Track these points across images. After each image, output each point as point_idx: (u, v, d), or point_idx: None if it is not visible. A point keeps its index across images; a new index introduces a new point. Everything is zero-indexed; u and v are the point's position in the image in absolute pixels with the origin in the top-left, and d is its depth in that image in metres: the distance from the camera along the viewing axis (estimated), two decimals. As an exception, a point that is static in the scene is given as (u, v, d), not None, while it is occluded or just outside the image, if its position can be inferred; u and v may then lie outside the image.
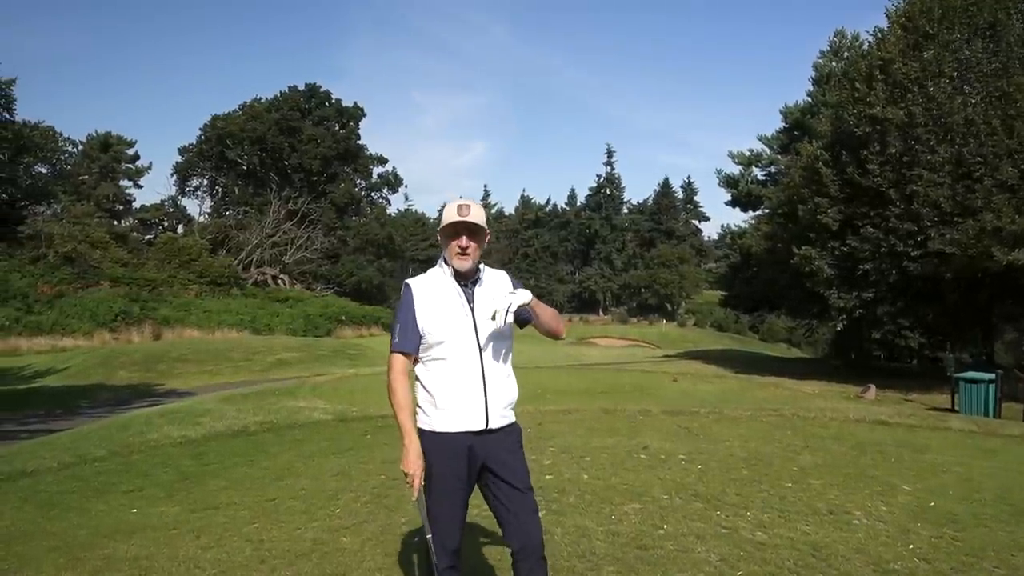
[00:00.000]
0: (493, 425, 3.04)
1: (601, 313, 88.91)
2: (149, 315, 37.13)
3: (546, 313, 3.12)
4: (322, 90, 63.79)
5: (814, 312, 27.60)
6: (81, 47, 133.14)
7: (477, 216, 3.03)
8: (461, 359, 3.00)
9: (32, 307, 34.61)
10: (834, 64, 33.34)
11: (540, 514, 5.46)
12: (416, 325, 3.01)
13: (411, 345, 3.02)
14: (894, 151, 20.36)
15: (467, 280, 3.08)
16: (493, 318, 2.90)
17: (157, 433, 8.44)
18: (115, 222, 58.07)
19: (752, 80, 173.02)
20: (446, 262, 3.10)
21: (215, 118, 61.80)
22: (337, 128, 64.24)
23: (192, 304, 41.50)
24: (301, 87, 63.36)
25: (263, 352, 27.14)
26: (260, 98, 62.78)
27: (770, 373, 23.39)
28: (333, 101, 64.22)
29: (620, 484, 6.05)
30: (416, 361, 3.06)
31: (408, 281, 3.14)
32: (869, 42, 24.21)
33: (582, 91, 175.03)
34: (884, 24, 23.11)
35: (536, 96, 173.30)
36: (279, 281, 53.86)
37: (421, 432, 3.06)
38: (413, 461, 2.90)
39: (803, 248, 22.54)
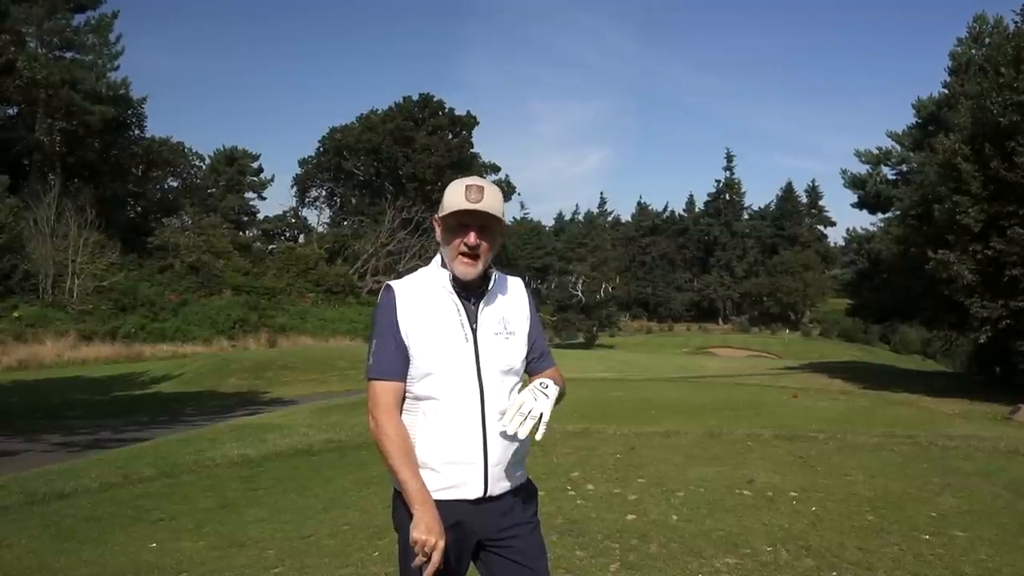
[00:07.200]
0: (495, 491, 2.19)
1: (721, 322, 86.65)
2: (266, 323, 38.28)
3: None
4: (435, 99, 64.37)
5: (951, 322, 25.32)
6: (209, 65, 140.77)
7: (492, 203, 2.16)
8: (454, 399, 2.16)
9: (158, 315, 36.20)
10: (974, 52, 30.66)
11: (612, 568, 4.63)
12: (402, 343, 2.18)
13: (397, 369, 2.18)
14: (1047, 142, 18.31)
15: (471, 292, 2.23)
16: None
17: (217, 451, 8.02)
18: (240, 233, 60.29)
19: (879, 75, 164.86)
20: (443, 263, 2.27)
21: (333, 130, 63.49)
22: (450, 137, 64.65)
23: (308, 312, 42.60)
24: (415, 97, 64.14)
25: (370, 360, 27.15)
26: (376, 110, 64.05)
27: (904, 389, 21.40)
28: (446, 110, 64.70)
29: (714, 530, 5.10)
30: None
31: (391, 283, 2.27)
32: (1016, 23, 21.93)
33: (701, 95, 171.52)
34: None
35: (655, 102, 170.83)
36: (394, 289, 54.70)
37: (394, 494, 2.26)
38: (431, 525, 2.02)
39: (939, 252, 20.50)
